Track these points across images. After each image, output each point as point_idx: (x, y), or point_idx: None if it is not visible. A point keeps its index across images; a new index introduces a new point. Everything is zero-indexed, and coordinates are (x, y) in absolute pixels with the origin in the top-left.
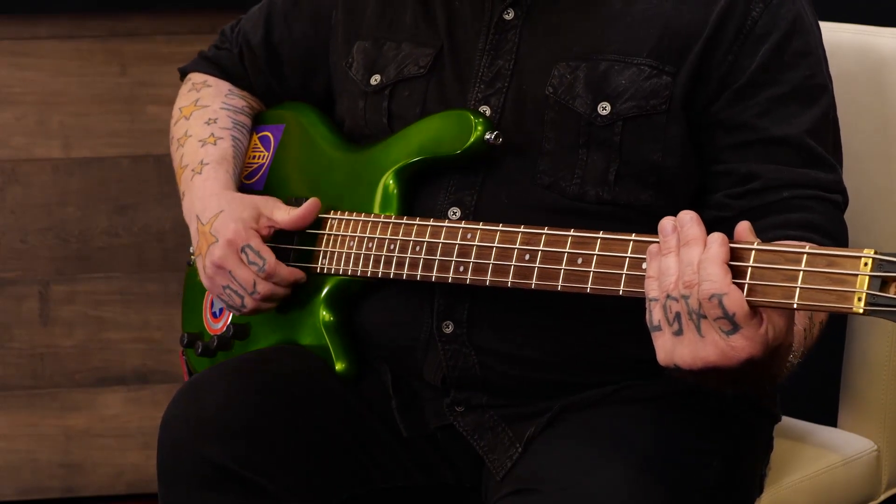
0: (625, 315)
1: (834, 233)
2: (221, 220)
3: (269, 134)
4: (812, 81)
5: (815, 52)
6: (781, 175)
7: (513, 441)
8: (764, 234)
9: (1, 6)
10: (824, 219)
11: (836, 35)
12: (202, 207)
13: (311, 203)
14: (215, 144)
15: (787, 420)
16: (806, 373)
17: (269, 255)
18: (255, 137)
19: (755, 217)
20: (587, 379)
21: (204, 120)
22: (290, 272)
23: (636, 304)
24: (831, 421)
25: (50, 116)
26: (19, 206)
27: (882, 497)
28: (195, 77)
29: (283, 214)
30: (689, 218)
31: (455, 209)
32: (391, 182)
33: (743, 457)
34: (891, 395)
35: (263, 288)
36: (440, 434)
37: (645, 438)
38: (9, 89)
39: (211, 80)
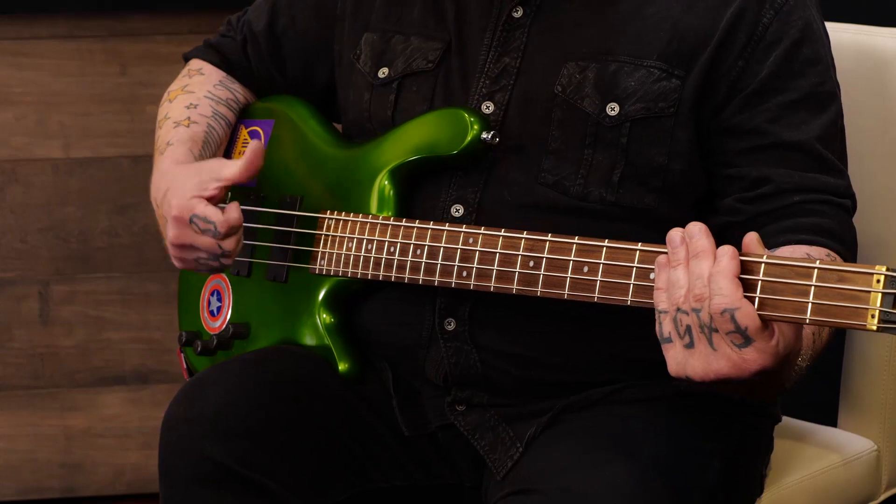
0: (626, 316)
1: (844, 237)
2: (166, 200)
3: (258, 129)
4: (821, 89)
5: (825, 60)
6: (792, 179)
7: (514, 441)
8: (774, 239)
9: (1, 6)
10: (835, 223)
11: (836, 35)
12: (154, 188)
13: (254, 146)
14: (188, 128)
15: (787, 420)
16: (806, 373)
17: (216, 215)
18: (245, 132)
19: (766, 221)
20: (588, 379)
21: (185, 104)
22: (241, 216)
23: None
24: (831, 421)
25: (50, 116)
26: (19, 206)
27: (882, 497)
28: (193, 63)
29: (231, 169)
30: (697, 229)
31: (458, 206)
32: (386, 182)
33: (743, 457)
34: (891, 396)
35: (228, 244)
36: (441, 433)
37: (645, 439)
38: (9, 89)
39: (207, 68)
